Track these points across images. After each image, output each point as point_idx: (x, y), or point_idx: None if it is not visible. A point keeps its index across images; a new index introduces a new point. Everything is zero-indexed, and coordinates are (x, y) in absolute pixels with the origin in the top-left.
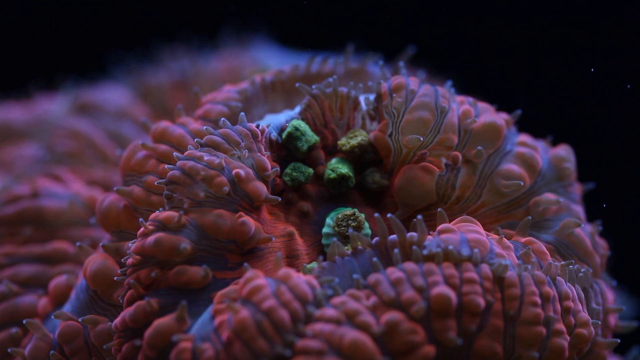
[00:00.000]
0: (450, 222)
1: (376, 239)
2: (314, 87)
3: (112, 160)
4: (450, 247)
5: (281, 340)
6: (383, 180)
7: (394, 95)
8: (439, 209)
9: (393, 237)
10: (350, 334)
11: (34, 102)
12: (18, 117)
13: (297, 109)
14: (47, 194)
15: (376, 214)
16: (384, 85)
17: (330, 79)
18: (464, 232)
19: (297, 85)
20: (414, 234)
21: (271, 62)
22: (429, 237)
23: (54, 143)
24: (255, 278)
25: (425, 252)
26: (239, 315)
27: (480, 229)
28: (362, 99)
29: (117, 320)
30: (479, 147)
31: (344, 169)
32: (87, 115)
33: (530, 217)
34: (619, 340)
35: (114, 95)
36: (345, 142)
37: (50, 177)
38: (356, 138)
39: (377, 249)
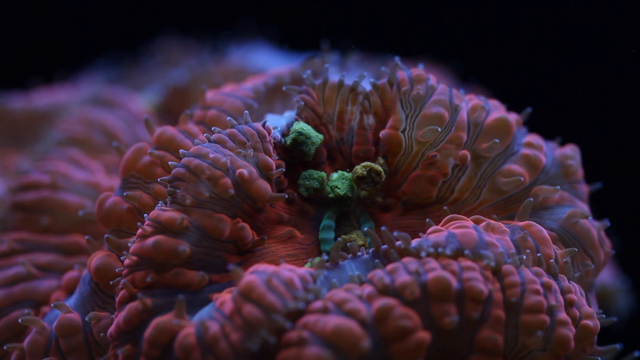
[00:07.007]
0: (440, 222)
1: (371, 249)
2: (304, 83)
3: (125, 143)
4: (440, 249)
5: (292, 296)
6: (377, 197)
7: (418, 87)
8: (427, 220)
9: (385, 247)
10: (334, 320)
11: (35, 94)
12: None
13: (296, 111)
14: (67, 186)
15: (365, 228)
16: (403, 73)
17: (309, 71)
18: (451, 228)
19: (284, 88)
20: (400, 243)
21: (272, 64)
22: (418, 239)
23: (63, 130)
24: (259, 264)
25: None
26: (245, 279)
27: (468, 222)
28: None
29: (112, 328)
30: (496, 140)
31: (342, 191)
32: (101, 106)
33: (531, 199)
34: (618, 346)
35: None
36: (360, 171)
37: (70, 161)
38: (377, 182)
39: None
